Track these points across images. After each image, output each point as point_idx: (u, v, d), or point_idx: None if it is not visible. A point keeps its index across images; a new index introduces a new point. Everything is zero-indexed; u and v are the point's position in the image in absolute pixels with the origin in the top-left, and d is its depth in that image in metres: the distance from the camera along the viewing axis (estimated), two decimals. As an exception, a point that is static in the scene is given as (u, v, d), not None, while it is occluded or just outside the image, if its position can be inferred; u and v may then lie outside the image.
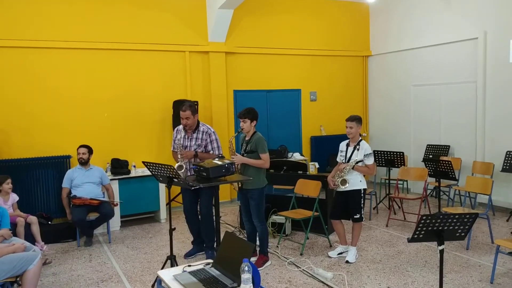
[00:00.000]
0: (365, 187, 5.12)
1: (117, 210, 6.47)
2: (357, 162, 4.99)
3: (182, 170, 4.92)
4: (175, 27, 7.67)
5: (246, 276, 2.50)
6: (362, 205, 5.07)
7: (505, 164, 6.80)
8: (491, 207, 6.80)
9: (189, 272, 2.93)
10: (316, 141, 9.11)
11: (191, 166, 5.08)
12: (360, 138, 5.14)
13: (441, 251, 3.64)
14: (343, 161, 5.15)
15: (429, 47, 8.35)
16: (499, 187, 7.00)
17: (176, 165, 4.91)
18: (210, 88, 7.99)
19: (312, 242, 5.87)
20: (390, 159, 7.28)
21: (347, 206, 5.13)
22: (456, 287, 4.35)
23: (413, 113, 8.81)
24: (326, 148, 8.89)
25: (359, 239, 5.82)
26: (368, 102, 9.92)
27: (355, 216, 5.09)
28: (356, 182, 5.05)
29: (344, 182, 4.98)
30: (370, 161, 5.02)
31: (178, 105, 6.43)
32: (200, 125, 5.25)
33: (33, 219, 5.43)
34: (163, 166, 4.34)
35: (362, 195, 5.07)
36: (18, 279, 3.86)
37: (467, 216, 3.49)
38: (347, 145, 5.19)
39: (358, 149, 5.05)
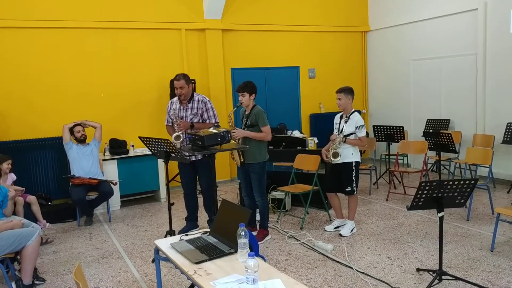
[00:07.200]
0: (358, 160, 5.06)
1: (116, 189, 6.46)
2: (348, 135, 4.95)
3: (180, 140, 4.88)
4: (170, 4, 7.54)
5: (243, 240, 2.48)
6: (353, 178, 5.03)
7: (505, 135, 6.75)
8: (491, 179, 6.78)
9: (186, 241, 2.91)
10: (315, 118, 9.04)
11: (187, 136, 5.04)
12: (353, 110, 5.06)
13: (441, 218, 3.62)
14: (337, 134, 5.11)
15: (428, 20, 8.22)
16: (500, 159, 6.97)
17: (173, 135, 4.89)
18: (207, 66, 7.90)
19: (312, 216, 5.87)
20: (390, 134, 7.23)
21: (340, 178, 5.10)
22: (456, 256, 4.34)
23: (413, 88, 8.72)
24: (325, 126, 8.72)
25: (358, 213, 5.83)
26: (367, 78, 9.82)
27: (346, 189, 5.07)
28: (347, 154, 5.00)
29: (336, 154, 4.95)
30: (362, 133, 4.95)
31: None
32: (195, 95, 5.20)
33: (32, 199, 5.43)
34: (159, 140, 4.32)
35: (353, 167, 5.02)
36: (18, 256, 3.87)
37: (467, 182, 3.46)
38: (341, 117, 5.15)
39: (346, 121, 5.00)
